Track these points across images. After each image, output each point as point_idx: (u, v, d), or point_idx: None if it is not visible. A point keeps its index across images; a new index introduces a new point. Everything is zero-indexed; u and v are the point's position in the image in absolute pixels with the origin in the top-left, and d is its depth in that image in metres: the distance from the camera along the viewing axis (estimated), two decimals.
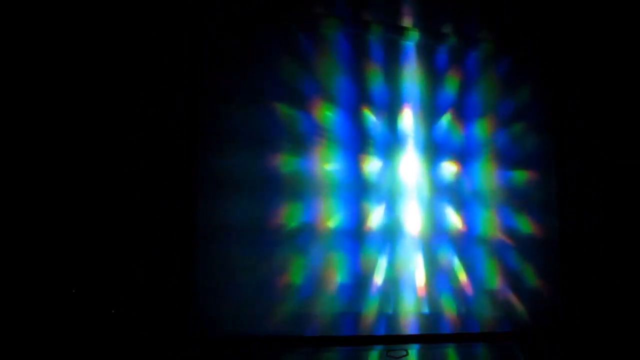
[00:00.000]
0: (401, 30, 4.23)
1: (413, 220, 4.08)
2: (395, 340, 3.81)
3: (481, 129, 4.34)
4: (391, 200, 4.06)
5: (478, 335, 4.05)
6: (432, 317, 3.99)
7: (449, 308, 4.04)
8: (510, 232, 4.30)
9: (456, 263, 4.13)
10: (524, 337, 4.14)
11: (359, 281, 3.88)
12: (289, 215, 3.79)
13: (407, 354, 3.40)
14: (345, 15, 4.05)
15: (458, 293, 4.08)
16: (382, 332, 3.85)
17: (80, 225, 3.19)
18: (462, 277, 4.12)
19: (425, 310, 3.98)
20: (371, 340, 3.81)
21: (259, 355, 3.40)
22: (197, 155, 3.62)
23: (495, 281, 4.19)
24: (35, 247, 3.05)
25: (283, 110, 3.87)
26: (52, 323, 3.00)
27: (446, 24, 4.23)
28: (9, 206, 3.02)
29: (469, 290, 4.10)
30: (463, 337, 4.01)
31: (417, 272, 4.03)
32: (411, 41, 4.25)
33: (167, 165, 3.47)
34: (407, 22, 4.18)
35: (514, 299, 4.21)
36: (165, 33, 3.51)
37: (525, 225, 4.35)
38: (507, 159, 4.37)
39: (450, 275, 4.10)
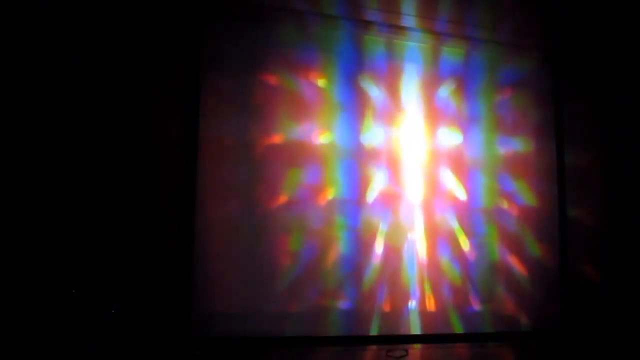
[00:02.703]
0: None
1: (414, 188, 4.09)
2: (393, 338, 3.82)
3: (482, 97, 4.34)
4: (391, 169, 4.04)
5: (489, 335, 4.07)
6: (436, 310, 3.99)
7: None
8: (511, 200, 4.31)
9: (457, 231, 4.14)
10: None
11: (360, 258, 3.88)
12: (287, 185, 3.76)
13: (407, 354, 3.41)
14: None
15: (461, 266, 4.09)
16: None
17: (77, 221, 3.17)
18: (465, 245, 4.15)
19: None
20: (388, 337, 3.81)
21: (258, 355, 3.40)
22: (197, 146, 3.57)
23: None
24: (35, 247, 3.03)
25: (281, 77, 3.84)
26: (52, 323, 2.99)
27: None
28: (9, 205, 2.99)
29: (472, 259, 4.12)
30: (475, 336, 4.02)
31: (417, 241, 4.04)
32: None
33: (165, 156, 3.44)
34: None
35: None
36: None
37: (526, 194, 4.35)
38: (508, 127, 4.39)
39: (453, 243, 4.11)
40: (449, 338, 3.95)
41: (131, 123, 3.33)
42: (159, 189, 3.39)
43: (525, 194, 4.35)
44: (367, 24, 4.12)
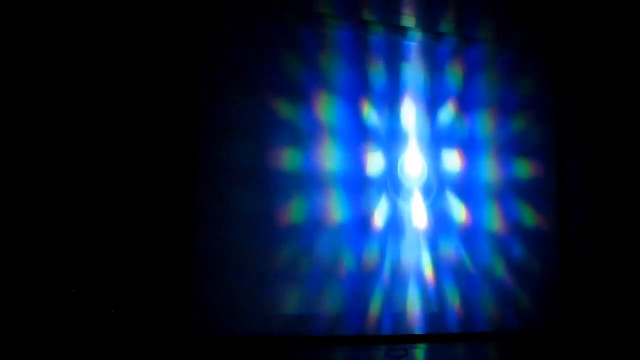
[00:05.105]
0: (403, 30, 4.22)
1: (418, 213, 4.09)
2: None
3: (484, 119, 4.34)
4: (395, 194, 4.04)
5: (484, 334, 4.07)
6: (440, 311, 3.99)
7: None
8: (513, 223, 4.31)
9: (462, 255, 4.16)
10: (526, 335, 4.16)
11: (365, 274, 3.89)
12: (293, 210, 3.76)
13: (406, 354, 3.40)
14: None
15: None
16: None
17: (77, 223, 3.17)
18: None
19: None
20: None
21: (262, 356, 3.39)
22: (198, 148, 3.57)
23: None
24: (35, 247, 3.03)
25: (282, 103, 3.82)
26: (52, 323, 2.99)
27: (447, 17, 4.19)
28: (9, 205, 2.99)
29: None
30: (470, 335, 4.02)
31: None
32: (413, 37, 4.22)
33: (167, 158, 3.44)
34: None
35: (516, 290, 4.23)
36: (164, 25, 3.46)
37: (528, 216, 4.35)
38: (509, 150, 4.38)
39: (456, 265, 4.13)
40: (450, 338, 3.97)
41: (132, 123, 3.33)
42: (159, 189, 3.40)
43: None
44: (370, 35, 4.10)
